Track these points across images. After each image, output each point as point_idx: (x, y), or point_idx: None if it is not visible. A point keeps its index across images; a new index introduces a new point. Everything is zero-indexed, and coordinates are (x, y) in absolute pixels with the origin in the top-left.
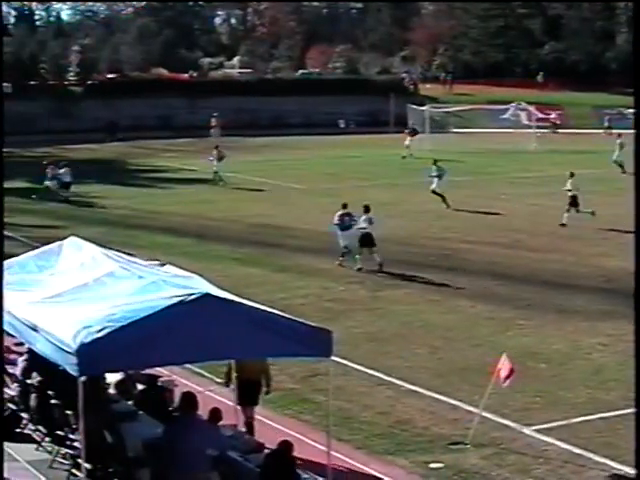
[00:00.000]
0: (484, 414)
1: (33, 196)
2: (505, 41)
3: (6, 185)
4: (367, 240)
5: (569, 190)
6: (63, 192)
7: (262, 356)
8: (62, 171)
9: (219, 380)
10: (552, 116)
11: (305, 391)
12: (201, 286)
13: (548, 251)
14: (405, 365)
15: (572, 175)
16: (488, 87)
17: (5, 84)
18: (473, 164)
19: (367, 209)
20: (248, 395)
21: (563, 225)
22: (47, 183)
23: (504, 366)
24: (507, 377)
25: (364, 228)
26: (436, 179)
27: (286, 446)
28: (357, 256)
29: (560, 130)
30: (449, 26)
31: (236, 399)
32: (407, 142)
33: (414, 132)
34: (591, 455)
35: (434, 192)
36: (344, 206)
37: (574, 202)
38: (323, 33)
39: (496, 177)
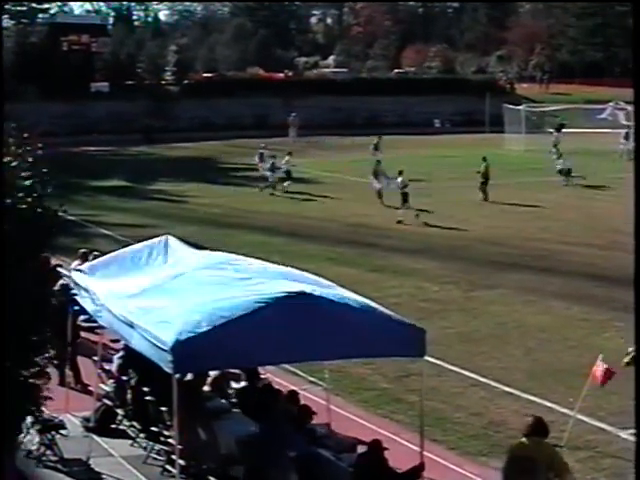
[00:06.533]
0: (579, 417)
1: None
2: (604, 40)
3: (103, 184)
4: None
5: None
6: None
7: (356, 357)
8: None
9: (311, 379)
10: None
11: (398, 391)
12: (301, 282)
13: None
14: (499, 366)
15: (401, 173)
16: (585, 86)
17: (103, 84)
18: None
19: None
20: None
21: (400, 222)
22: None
23: (600, 368)
24: (605, 378)
25: None
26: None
27: (376, 445)
28: None
29: None
30: (546, 25)
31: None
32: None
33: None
34: None
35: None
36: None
37: (405, 199)
38: (419, 32)
39: (592, 177)
